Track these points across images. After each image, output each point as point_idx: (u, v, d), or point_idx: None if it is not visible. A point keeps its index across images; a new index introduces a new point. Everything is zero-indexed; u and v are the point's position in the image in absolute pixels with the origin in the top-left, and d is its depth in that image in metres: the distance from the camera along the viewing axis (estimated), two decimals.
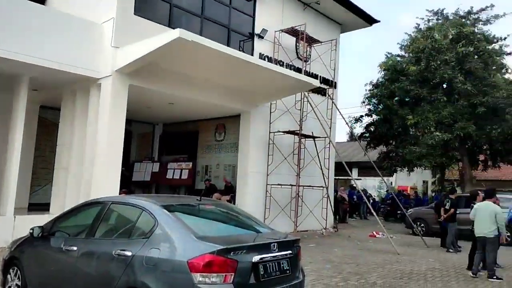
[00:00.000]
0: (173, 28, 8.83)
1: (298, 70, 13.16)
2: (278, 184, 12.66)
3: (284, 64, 13.26)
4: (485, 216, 7.84)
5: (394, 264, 8.87)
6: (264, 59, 12.59)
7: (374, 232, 13.85)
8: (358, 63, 77.58)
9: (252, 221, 4.88)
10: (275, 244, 3.99)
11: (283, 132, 12.80)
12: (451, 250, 10.95)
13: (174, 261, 3.64)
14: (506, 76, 17.63)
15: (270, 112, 13.00)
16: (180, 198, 6.67)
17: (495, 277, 7.62)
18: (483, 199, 8.43)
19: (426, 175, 28.28)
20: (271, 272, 3.90)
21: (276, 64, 12.56)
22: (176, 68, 10.09)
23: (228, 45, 11.44)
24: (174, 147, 15.43)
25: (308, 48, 14.12)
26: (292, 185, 12.79)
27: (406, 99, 17.70)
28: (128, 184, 13.63)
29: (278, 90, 12.13)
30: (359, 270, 8.09)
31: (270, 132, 12.97)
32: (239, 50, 11.77)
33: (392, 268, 8.41)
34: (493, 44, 17.74)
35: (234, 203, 12.08)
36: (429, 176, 28.40)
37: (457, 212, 11.26)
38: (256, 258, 3.75)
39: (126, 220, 4.53)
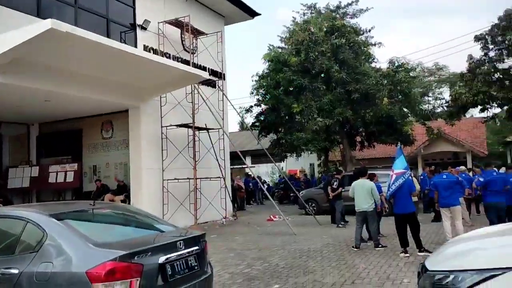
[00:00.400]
0: (43, 19, 7.95)
1: (186, 62, 12.93)
2: (175, 179, 12.38)
3: (171, 56, 12.92)
4: (362, 193, 8.67)
5: (292, 245, 9.32)
6: (149, 51, 12.10)
7: (271, 216, 14.40)
8: (248, 55, 79.49)
9: (152, 220, 4.67)
10: (181, 242, 3.88)
11: (176, 125, 12.51)
12: (340, 226, 11.89)
13: (70, 273, 3.31)
14: (373, 64, 19.60)
15: (161, 106, 12.59)
16: (70, 204, 6.10)
17: (380, 245, 8.47)
18: (359, 177, 9.23)
19: (312, 158, 30.25)
20: (179, 271, 3.78)
21: (162, 56, 12.16)
22: (50, 62, 9.13)
23: (108, 36, 10.71)
24: (55, 148, 14.03)
25: (194, 40, 13.94)
26: (189, 179, 12.61)
27: (290, 89, 18.59)
28: (3, 193, 12.15)
29: (167, 83, 11.77)
30: (261, 255, 8.33)
31: (162, 126, 12.57)
32: (121, 42, 11.12)
33: (291, 249, 8.83)
34: (361, 36, 19.57)
35: (128, 203, 11.52)
36: (315, 159, 30.45)
37: (343, 190, 12.25)
38: (162, 258, 3.59)
39: (8, 234, 3.98)
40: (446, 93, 43.98)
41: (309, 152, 19.76)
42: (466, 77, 18.00)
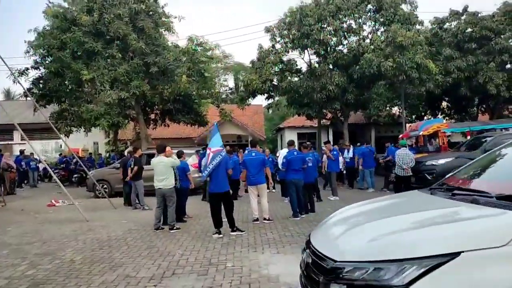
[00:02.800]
0: None
1: None
2: None
3: None
4: (161, 170, 7.95)
5: (87, 234, 7.85)
6: None
7: (53, 201, 12.16)
8: (26, 7, 66.37)
9: None
10: None
11: None
12: (146, 208, 10.79)
13: None
14: (173, 39, 18.89)
15: None
16: None
17: (175, 228, 7.86)
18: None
19: (96, 136, 27.57)
20: None
21: None
22: None
23: None
24: None
25: None
26: None
27: (79, 53, 16.07)
28: None
29: None
30: (48, 249, 6.65)
31: None
32: None
33: (86, 239, 7.38)
34: (161, 7, 18.48)
35: None
36: (100, 136, 27.82)
37: (144, 169, 11.21)
38: None
39: None
40: (230, 81, 47.34)
41: (100, 127, 17.54)
42: (256, 65, 19.20)
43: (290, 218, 8.76)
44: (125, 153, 12.62)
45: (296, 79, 19.53)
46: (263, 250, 6.19)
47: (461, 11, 19.81)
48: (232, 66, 43.90)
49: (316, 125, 23.67)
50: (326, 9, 17.40)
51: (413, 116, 24.41)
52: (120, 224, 8.77)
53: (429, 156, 11.88)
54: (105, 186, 13.60)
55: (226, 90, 42.78)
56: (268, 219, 8.47)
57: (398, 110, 23.15)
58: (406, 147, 10.97)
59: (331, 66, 17.91)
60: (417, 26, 17.80)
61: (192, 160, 12.60)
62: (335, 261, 2.28)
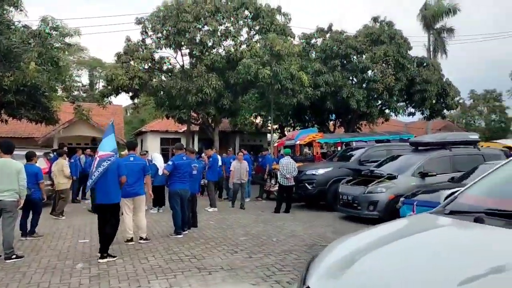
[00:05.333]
0: None
1: None
2: None
3: None
4: (3, 176, 5.86)
5: None
6: None
7: None
8: None
9: None
10: None
11: None
12: None
13: None
14: (20, 18, 15.66)
15: None
16: None
17: (14, 256, 5.84)
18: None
19: None
20: None
21: None
22: None
23: None
24: None
25: None
26: None
27: None
28: None
29: None
30: None
31: None
32: None
33: None
34: None
35: None
36: None
37: None
38: None
39: None
40: (84, 77, 42.77)
41: None
42: (122, 59, 17.17)
43: (171, 235, 7.42)
44: None
45: (165, 79, 18.06)
46: (150, 284, 4.79)
47: (326, 29, 20.99)
48: (87, 61, 39.68)
49: (181, 131, 22.47)
50: (204, 8, 16.47)
51: (275, 127, 25.00)
52: None
53: (309, 165, 11.80)
54: None
55: (79, 87, 38.34)
56: (145, 239, 7.00)
57: (262, 120, 23.39)
58: (289, 156, 10.59)
59: (205, 68, 16.97)
60: (290, 38, 18.12)
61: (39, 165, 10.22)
62: None
